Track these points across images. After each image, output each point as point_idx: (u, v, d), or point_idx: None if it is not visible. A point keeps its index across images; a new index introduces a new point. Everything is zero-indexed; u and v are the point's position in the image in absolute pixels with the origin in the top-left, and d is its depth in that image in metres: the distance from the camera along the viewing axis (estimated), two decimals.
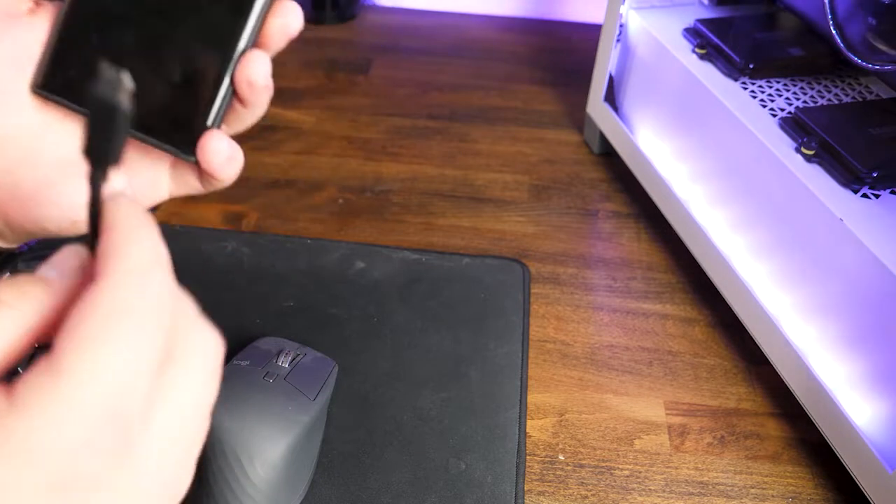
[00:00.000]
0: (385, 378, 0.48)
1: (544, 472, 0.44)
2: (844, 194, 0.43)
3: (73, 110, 0.27)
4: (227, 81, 0.27)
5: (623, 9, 0.62)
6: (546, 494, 0.43)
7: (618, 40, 0.64)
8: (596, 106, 0.67)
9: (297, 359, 0.43)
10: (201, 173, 0.28)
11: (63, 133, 0.27)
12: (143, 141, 0.27)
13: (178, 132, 0.27)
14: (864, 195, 0.43)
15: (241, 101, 0.27)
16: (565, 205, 0.64)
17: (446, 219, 0.62)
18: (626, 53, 0.64)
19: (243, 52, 0.27)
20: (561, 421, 0.47)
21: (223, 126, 0.28)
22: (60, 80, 0.26)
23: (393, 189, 0.64)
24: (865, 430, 0.40)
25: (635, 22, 0.61)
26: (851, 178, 0.43)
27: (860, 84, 0.53)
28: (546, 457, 0.45)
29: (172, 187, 0.29)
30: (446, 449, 0.44)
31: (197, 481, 0.40)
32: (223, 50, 0.27)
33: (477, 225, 0.61)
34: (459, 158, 0.69)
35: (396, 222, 0.61)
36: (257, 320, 0.51)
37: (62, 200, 0.26)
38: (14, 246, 0.27)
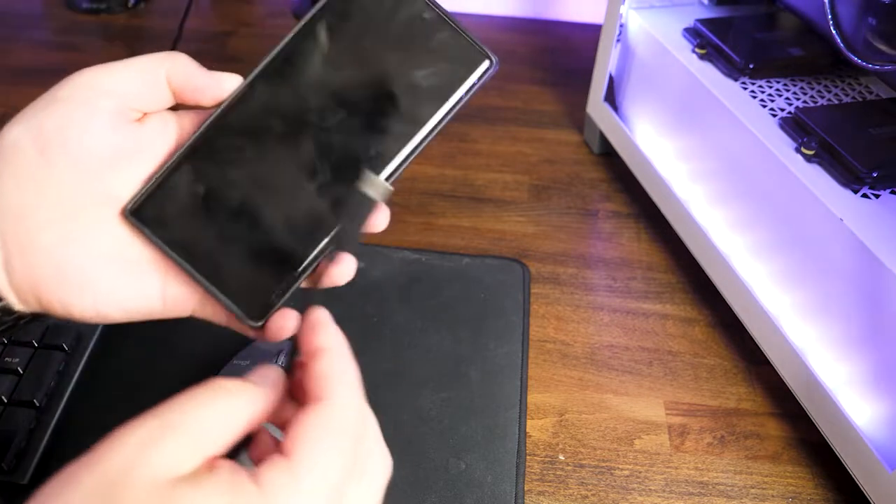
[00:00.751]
0: (385, 378, 0.48)
1: (544, 472, 0.44)
2: (844, 194, 0.43)
3: (154, 242, 0.27)
4: (309, 266, 0.28)
5: (623, 9, 0.62)
6: (546, 494, 0.43)
7: (618, 40, 0.64)
8: (596, 106, 0.67)
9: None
10: (234, 319, 0.29)
11: (118, 228, 0.28)
12: (209, 292, 0.27)
13: (248, 296, 0.27)
14: (864, 195, 0.43)
15: (312, 282, 0.29)
16: (565, 205, 0.64)
17: (446, 219, 0.62)
18: (626, 53, 0.64)
19: (335, 248, 0.28)
20: (561, 421, 0.47)
21: None
22: (155, 215, 0.27)
23: (393, 189, 0.64)
24: (865, 430, 0.40)
25: (635, 22, 0.61)
26: (851, 178, 0.43)
27: (860, 84, 0.53)
28: (546, 457, 0.45)
29: (198, 309, 0.29)
30: (446, 449, 0.44)
31: None
32: (317, 237, 0.28)
33: (477, 225, 0.61)
34: (459, 158, 0.69)
35: (396, 222, 0.61)
36: None
37: (98, 292, 0.27)
38: (27, 313, 0.28)
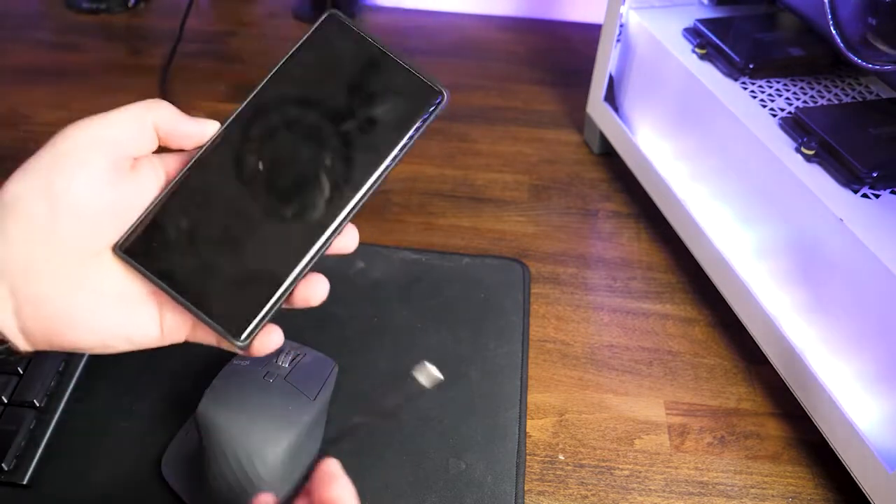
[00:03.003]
0: (385, 378, 0.48)
1: (544, 472, 0.44)
2: (844, 194, 0.43)
3: (145, 276, 0.29)
4: (287, 289, 0.30)
5: (623, 9, 0.62)
6: (546, 494, 0.43)
7: (618, 40, 0.64)
8: (596, 106, 0.67)
9: (297, 359, 0.43)
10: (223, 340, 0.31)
11: (118, 271, 0.30)
12: (198, 317, 0.30)
13: (232, 318, 0.30)
14: (864, 195, 0.43)
15: (290, 304, 0.31)
16: (565, 205, 0.64)
17: (446, 219, 0.62)
18: (626, 53, 0.64)
19: (308, 269, 0.31)
20: (561, 421, 0.47)
21: None
22: (144, 250, 0.29)
23: (393, 189, 0.64)
24: (865, 430, 0.40)
25: (635, 22, 0.61)
26: (851, 178, 0.43)
27: (860, 84, 0.53)
28: (546, 457, 0.45)
29: (191, 335, 0.32)
30: (446, 449, 0.44)
31: (197, 481, 0.40)
32: (293, 261, 0.30)
33: (477, 225, 0.61)
34: (459, 158, 0.69)
35: (396, 222, 0.61)
36: None
37: (105, 330, 0.29)
38: (31, 351, 0.29)
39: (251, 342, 0.30)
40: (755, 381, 0.50)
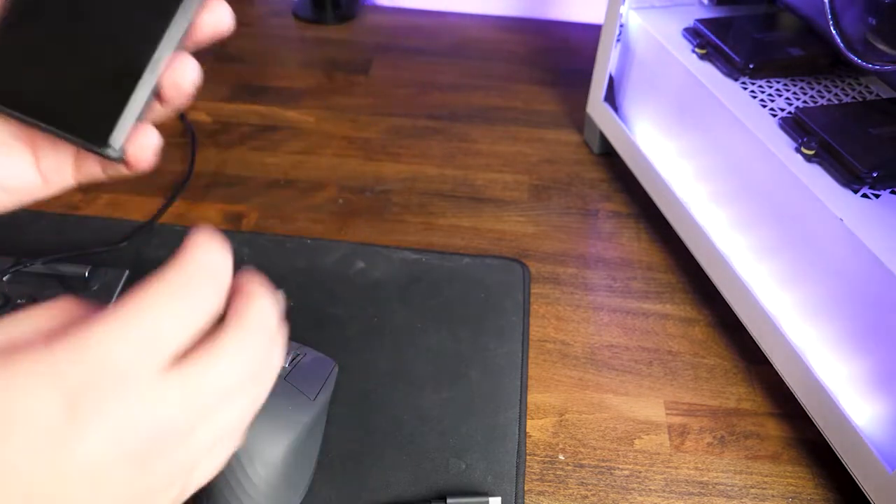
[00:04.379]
0: (385, 378, 0.48)
1: (544, 472, 0.44)
2: (844, 194, 0.43)
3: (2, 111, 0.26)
4: (152, 79, 0.26)
5: (623, 9, 0.62)
6: (546, 494, 0.43)
7: (618, 40, 0.64)
8: (596, 106, 0.67)
9: (297, 359, 0.43)
10: (105, 163, 0.28)
11: None
12: (57, 135, 0.26)
13: (95, 128, 0.26)
14: (864, 195, 0.43)
15: (161, 100, 0.27)
16: (565, 205, 0.64)
17: (446, 219, 0.62)
18: (626, 53, 0.64)
19: (170, 52, 0.27)
20: (561, 421, 0.47)
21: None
22: None
23: (393, 189, 0.64)
24: (865, 430, 0.40)
25: (635, 22, 0.61)
26: (851, 178, 0.43)
27: (860, 84, 0.53)
28: (546, 457, 0.45)
29: (77, 175, 0.29)
30: (446, 449, 0.44)
31: None
32: (151, 47, 0.26)
33: (477, 225, 0.61)
34: (459, 158, 0.69)
35: (396, 222, 0.61)
36: None
37: None
38: None
39: (123, 149, 0.26)
40: (755, 381, 0.50)
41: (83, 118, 0.26)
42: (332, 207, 0.62)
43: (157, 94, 0.27)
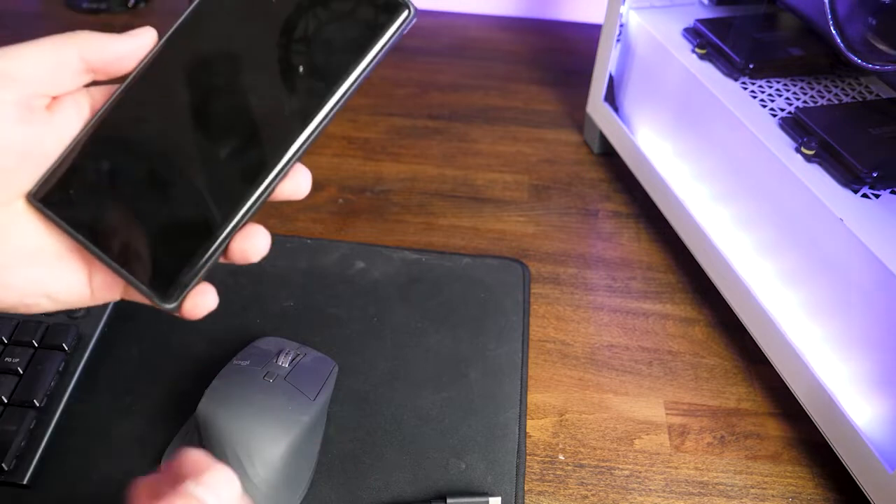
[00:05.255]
0: (385, 378, 0.48)
1: (544, 472, 0.44)
2: (844, 194, 0.43)
3: (61, 227, 0.26)
4: (223, 241, 0.26)
5: (623, 9, 0.62)
6: (546, 494, 0.43)
7: (618, 40, 0.64)
8: (596, 106, 0.67)
9: (297, 359, 0.43)
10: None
11: (34, 222, 0.27)
12: (120, 275, 0.26)
13: (159, 277, 0.26)
14: (864, 195, 0.43)
15: (227, 259, 0.27)
16: (565, 205, 0.64)
17: (446, 219, 0.62)
18: (626, 53, 0.64)
19: (248, 218, 0.26)
20: (561, 421, 0.47)
21: None
22: (59, 198, 0.26)
23: (393, 189, 0.64)
24: (865, 430, 0.40)
25: (635, 22, 0.61)
26: (851, 178, 0.43)
27: (860, 84, 0.53)
28: (546, 457, 0.45)
29: (125, 293, 0.29)
30: (446, 449, 0.44)
31: None
32: (229, 212, 0.26)
33: (477, 225, 0.61)
34: (459, 158, 0.69)
35: (396, 222, 0.61)
36: (257, 320, 0.51)
37: (22, 287, 0.27)
38: None
39: (181, 304, 0.26)
40: (755, 381, 0.50)
41: (150, 266, 0.26)
42: (332, 207, 0.62)
43: (223, 254, 0.27)
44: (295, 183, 0.27)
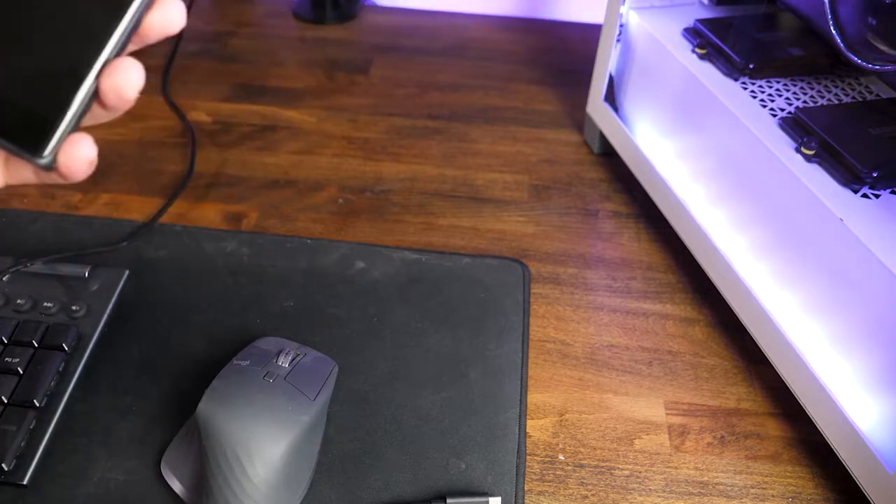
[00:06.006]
0: (385, 378, 0.48)
1: (544, 472, 0.44)
2: (844, 194, 0.43)
3: None
4: (91, 84, 0.24)
5: (623, 9, 0.62)
6: (546, 494, 0.43)
7: (618, 40, 0.64)
8: (596, 106, 0.67)
9: (297, 359, 0.43)
10: (38, 169, 0.26)
11: None
12: None
13: (28, 133, 0.24)
14: (864, 195, 0.43)
15: (102, 105, 0.25)
16: (565, 205, 0.64)
17: (446, 219, 0.62)
18: (626, 53, 0.64)
19: (114, 54, 0.24)
20: (561, 421, 0.47)
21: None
22: None
23: (393, 189, 0.64)
24: (865, 430, 0.40)
25: (635, 22, 0.61)
26: (851, 178, 0.43)
27: (860, 84, 0.53)
28: (546, 457, 0.45)
29: (6, 176, 0.27)
30: (446, 449, 0.44)
31: (197, 481, 0.40)
32: (92, 48, 0.24)
33: (477, 225, 0.61)
34: (459, 158, 0.69)
35: (396, 222, 0.61)
36: (257, 320, 0.51)
37: None
38: None
39: (55, 157, 0.24)
40: (755, 381, 0.50)
41: (14, 122, 0.24)
42: (332, 207, 0.62)
43: (97, 99, 0.25)
44: (163, 12, 0.25)
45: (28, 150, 0.24)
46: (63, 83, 0.24)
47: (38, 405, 0.44)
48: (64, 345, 0.47)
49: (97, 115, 0.26)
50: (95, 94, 0.25)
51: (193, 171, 0.65)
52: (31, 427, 0.43)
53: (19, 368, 0.45)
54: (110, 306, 0.50)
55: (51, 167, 0.25)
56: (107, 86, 0.24)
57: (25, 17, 0.24)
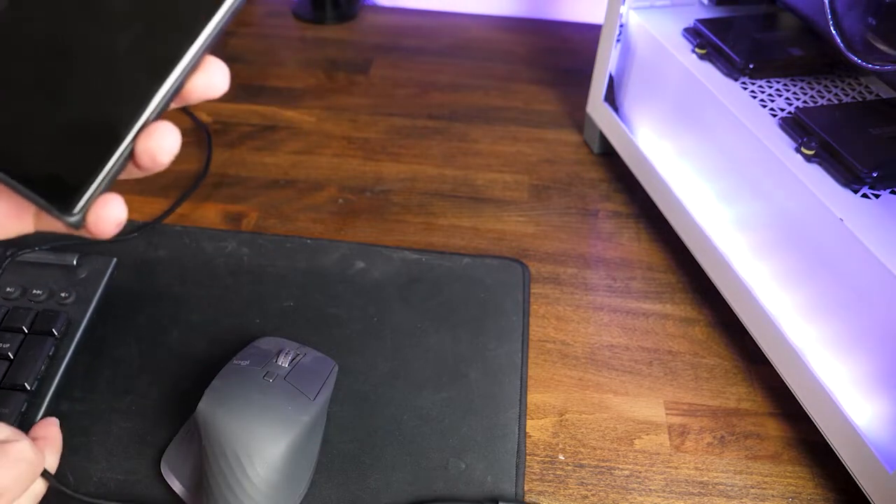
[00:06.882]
0: (385, 378, 0.48)
1: (544, 472, 0.44)
2: (844, 194, 0.43)
3: None
4: (127, 145, 0.24)
5: (623, 9, 0.62)
6: (546, 494, 0.43)
7: (618, 40, 0.64)
8: (596, 106, 0.67)
9: (297, 359, 0.43)
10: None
11: None
12: (16, 190, 0.24)
13: (59, 190, 0.24)
14: (864, 195, 0.43)
15: (137, 166, 0.25)
16: (565, 205, 0.64)
17: (446, 219, 0.62)
18: (626, 53, 0.64)
19: (154, 117, 0.24)
20: (561, 421, 0.47)
21: None
22: None
23: (393, 189, 0.64)
24: (865, 430, 0.40)
25: (635, 22, 0.61)
26: (851, 178, 0.43)
27: (860, 84, 0.53)
28: (546, 457, 0.45)
29: (38, 223, 0.27)
30: (446, 449, 0.44)
31: (197, 481, 0.40)
32: (133, 109, 0.24)
33: (477, 225, 0.61)
34: (459, 158, 0.69)
35: (396, 222, 0.61)
36: (257, 320, 0.51)
37: None
38: None
39: (84, 216, 0.24)
40: (755, 381, 0.50)
41: (47, 177, 0.24)
42: (332, 207, 0.62)
43: (130, 158, 0.24)
44: (208, 76, 0.25)
45: (58, 206, 0.24)
46: (100, 143, 0.24)
47: (29, 389, 0.45)
48: (53, 330, 0.47)
49: (128, 172, 0.26)
50: (130, 156, 0.24)
51: (209, 170, 0.65)
52: (23, 410, 0.44)
53: (10, 353, 0.46)
54: (98, 293, 0.51)
55: (79, 226, 0.24)
56: (142, 148, 0.24)
57: (70, 71, 0.24)
